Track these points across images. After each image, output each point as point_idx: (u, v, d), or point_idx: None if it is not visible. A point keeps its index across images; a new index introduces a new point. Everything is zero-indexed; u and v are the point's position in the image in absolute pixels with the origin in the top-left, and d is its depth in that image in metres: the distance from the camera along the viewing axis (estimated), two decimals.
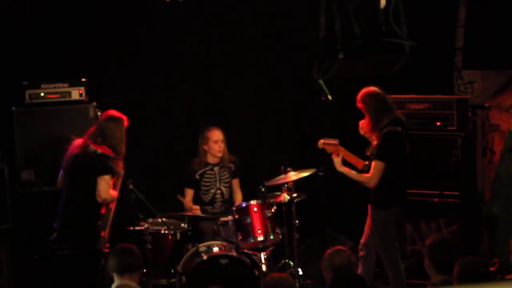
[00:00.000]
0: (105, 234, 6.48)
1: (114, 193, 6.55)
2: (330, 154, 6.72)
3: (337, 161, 6.67)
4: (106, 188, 6.44)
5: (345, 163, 6.76)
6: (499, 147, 7.72)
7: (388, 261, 6.73)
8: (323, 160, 7.07)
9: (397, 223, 6.82)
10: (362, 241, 6.89)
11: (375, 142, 6.73)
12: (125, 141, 6.61)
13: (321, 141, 6.72)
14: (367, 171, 6.67)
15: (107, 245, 6.47)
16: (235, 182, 7.67)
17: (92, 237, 6.43)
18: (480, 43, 7.37)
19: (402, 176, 6.73)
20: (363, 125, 6.78)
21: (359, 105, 6.76)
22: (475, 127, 7.70)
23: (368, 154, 6.78)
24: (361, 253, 6.86)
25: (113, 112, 6.69)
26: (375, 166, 6.59)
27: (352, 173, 6.69)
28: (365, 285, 4.94)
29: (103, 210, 6.54)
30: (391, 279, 6.77)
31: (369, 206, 6.79)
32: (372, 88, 6.76)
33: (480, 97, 7.86)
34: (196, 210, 7.37)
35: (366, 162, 6.78)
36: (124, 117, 6.66)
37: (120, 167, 6.62)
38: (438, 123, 7.42)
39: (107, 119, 6.61)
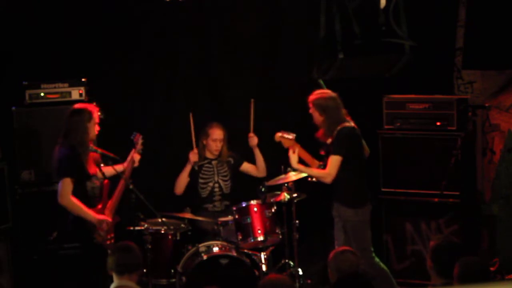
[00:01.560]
0: (102, 228, 6.44)
1: (74, 201, 6.35)
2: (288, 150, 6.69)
3: (293, 158, 6.65)
4: (64, 191, 6.32)
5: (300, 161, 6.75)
6: (499, 147, 7.72)
7: (366, 260, 6.67)
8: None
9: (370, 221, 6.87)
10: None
11: (329, 140, 6.73)
12: (90, 131, 6.45)
13: (278, 134, 6.71)
14: None
15: (110, 235, 6.47)
16: (246, 165, 7.66)
17: (82, 235, 6.42)
18: (480, 43, 7.37)
19: (364, 172, 6.77)
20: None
21: (315, 106, 6.72)
22: (475, 127, 7.70)
23: (323, 153, 6.80)
24: None
25: (76, 106, 6.59)
26: (331, 160, 6.59)
27: (308, 170, 6.71)
28: (370, 285, 4.92)
29: (99, 206, 6.53)
30: (375, 277, 6.77)
31: (337, 209, 6.78)
32: (328, 91, 6.77)
33: (480, 97, 7.86)
34: (194, 153, 7.39)
35: (321, 163, 6.80)
36: (89, 107, 6.52)
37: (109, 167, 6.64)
38: (438, 123, 7.42)
39: (70, 115, 6.48)
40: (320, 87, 7.20)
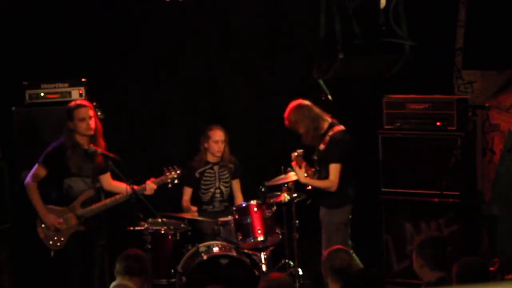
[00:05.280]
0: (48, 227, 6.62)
1: (34, 188, 6.66)
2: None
3: (301, 173, 6.80)
4: (33, 175, 6.68)
5: None
6: (499, 147, 7.72)
7: None
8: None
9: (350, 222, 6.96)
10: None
11: (322, 146, 6.80)
12: (77, 129, 6.62)
13: (295, 154, 6.78)
14: (319, 178, 6.81)
15: (59, 239, 6.63)
16: (236, 183, 7.65)
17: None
18: (480, 43, 7.36)
19: (353, 172, 6.84)
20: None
21: (290, 120, 6.84)
22: (475, 127, 7.70)
23: (316, 158, 6.86)
24: None
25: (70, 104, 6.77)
26: (333, 169, 6.72)
27: (315, 182, 6.84)
28: (382, 283, 4.88)
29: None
30: None
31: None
32: (299, 101, 6.88)
33: (480, 97, 7.86)
34: (194, 212, 7.35)
35: (313, 169, 6.90)
36: (72, 104, 6.68)
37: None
38: (438, 123, 7.41)
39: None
40: (320, 87, 7.19)
